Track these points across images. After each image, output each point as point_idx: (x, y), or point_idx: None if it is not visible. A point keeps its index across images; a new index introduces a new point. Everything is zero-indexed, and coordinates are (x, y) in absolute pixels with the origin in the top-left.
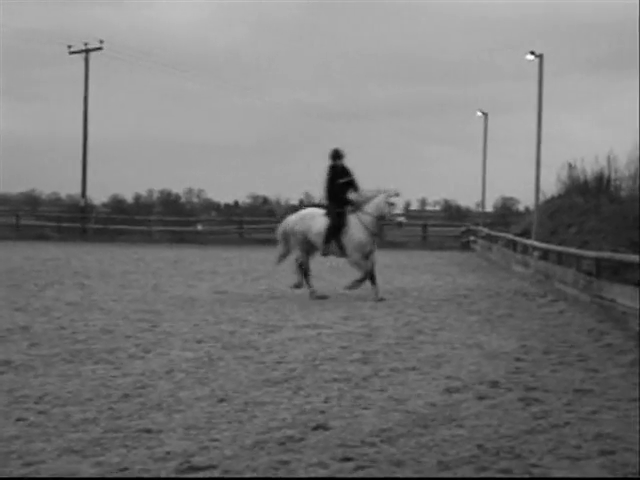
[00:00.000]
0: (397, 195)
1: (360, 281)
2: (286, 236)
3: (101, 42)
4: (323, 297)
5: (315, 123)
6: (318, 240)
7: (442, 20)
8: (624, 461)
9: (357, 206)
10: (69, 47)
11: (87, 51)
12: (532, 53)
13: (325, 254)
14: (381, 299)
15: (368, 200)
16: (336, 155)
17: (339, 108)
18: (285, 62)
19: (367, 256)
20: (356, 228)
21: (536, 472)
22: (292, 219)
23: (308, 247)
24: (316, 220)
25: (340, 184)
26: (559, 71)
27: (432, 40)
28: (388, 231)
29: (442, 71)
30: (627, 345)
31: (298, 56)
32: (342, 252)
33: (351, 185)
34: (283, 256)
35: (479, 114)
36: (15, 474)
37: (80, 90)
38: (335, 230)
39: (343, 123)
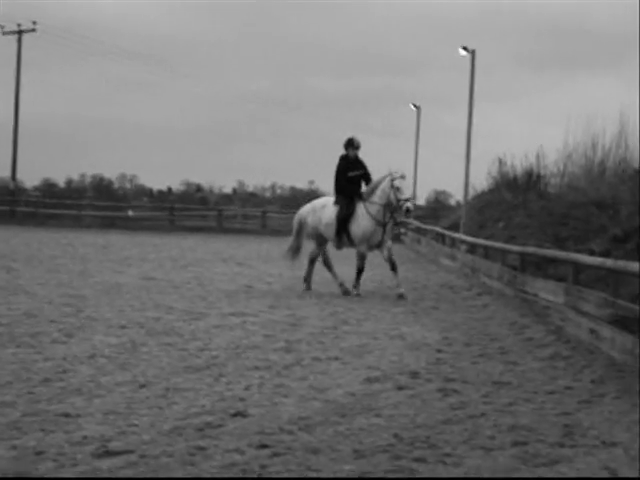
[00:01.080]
0: (402, 178)
1: (358, 274)
2: (301, 227)
3: (34, 23)
4: (346, 292)
5: (253, 112)
6: (327, 232)
7: (380, 14)
8: (536, 452)
9: (365, 195)
10: (1, 27)
11: (20, 32)
12: (465, 48)
13: (339, 247)
14: (401, 295)
15: (375, 187)
16: (349, 144)
17: (278, 98)
18: (226, 50)
19: (378, 246)
20: (362, 217)
21: (449, 461)
22: (306, 209)
23: (321, 239)
24: (326, 210)
25: (350, 177)
26: (493, 67)
27: (370, 33)
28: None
29: (378, 64)
30: (547, 339)
31: (240, 45)
32: (353, 243)
33: (363, 179)
34: (296, 251)
35: (412, 107)
36: None
37: (13, 72)
38: (344, 220)
39: (281, 113)
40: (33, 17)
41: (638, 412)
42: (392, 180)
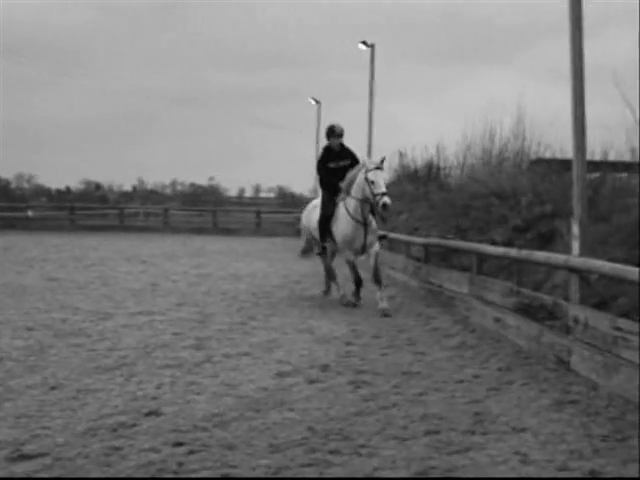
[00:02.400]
0: (378, 169)
1: (357, 285)
2: (304, 230)
3: None
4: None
5: (150, 108)
6: (317, 235)
7: (280, 8)
8: (448, 440)
9: (346, 190)
10: None
11: None
12: (364, 43)
13: (319, 253)
14: (385, 313)
15: (351, 182)
16: (330, 133)
17: (177, 93)
18: (124, 45)
19: (363, 251)
20: (341, 218)
21: (364, 452)
22: (304, 212)
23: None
24: (315, 212)
25: (332, 169)
26: (393, 62)
27: (270, 28)
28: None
29: (278, 58)
30: (454, 329)
31: (138, 40)
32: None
33: (348, 170)
34: (307, 251)
35: (312, 102)
36: None
37: None
38: (326, 222)
39: (179, 108)
40: None
41: (545, 398)
42: (366, 172)
